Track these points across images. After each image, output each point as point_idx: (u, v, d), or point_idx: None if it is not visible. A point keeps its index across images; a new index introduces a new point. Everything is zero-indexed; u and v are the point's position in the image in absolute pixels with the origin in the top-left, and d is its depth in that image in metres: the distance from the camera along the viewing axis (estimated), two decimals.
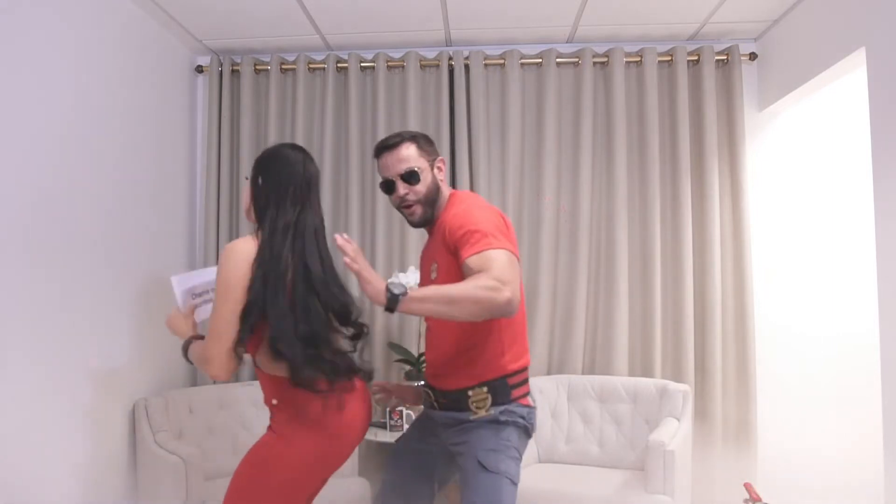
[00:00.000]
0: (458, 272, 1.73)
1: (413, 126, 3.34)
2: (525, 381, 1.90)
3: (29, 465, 2.18)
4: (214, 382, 3.20)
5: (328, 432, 1.73)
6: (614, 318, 3.26)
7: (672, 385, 2.98)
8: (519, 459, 1.85)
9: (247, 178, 1.83)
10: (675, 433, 2.69)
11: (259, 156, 1.81)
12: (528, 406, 1.89)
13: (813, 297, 3.36)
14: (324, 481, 1.83)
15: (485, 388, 1.83)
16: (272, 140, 3.39)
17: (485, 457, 1.78)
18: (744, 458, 3.23)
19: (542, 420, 3.10)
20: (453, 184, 3.35)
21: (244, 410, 3.05)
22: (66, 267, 2.38)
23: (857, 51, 2.54)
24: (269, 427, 1.78)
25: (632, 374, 3.27)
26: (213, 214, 3.38)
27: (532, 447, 3.05)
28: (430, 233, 1.99)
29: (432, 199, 1.93)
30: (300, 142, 3.37)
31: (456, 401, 1.86)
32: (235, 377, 3.35)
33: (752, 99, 3.41)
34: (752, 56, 3.39)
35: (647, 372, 3.26)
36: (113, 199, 2.69)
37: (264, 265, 1.66)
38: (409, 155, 1.91)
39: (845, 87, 3.19)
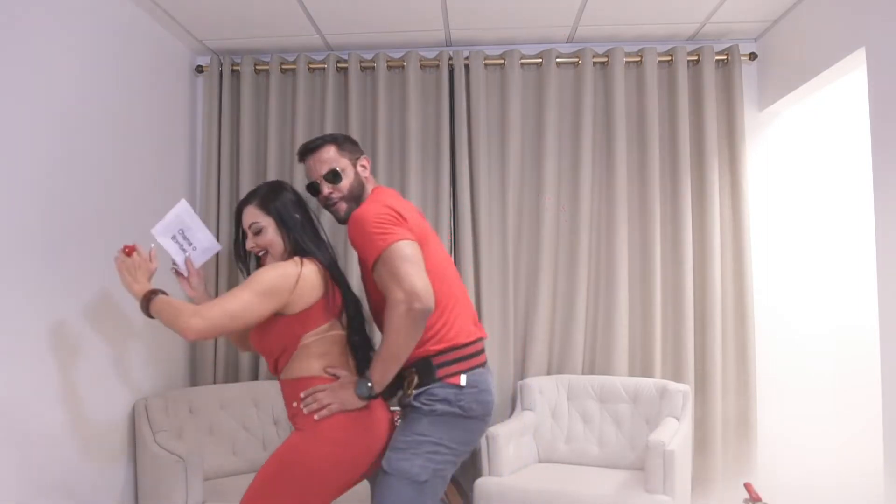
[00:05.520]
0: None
1: (413, 126, 3.35)
2: (456, 360, 1.91)
3: (29, 464, 2.18)
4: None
5: (352, 419, 1.85)
6: (614, 318, 3.26)
7: (672, 385, 2.98)
8: (444, 452, 1.86)
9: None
10: (675, 433, 2.69)
11: (278, 198, 1.99)
12: (455, 385, 1.88)
13: (813, 298, 3.36)
14: (348, 483, 1.88)
15: (413, 369, 1.90)
16: (272, 140, 3.39)
17: (388, 456, 1.86)
18: (744, 458, 3.23)
19: (542, 420, 3.10)
20: (453, 184, 3.36)
21: (244, 410, 3.05)
22: (65, 266, 2.38)
23: (857, 51, 2.54)
24: (295, 429, 1.89)
25: (632, 374, 3.27)
26: (214, 214, 3.38)
27: (532, 447, 3.06)
28: None
29: (356, 196, 2.04)
30: (300, 142, 3.35)
31: (399, 387, 1.95)
32: (235, 377, 3.35)
33: (752, 99, 3.41)
34: (752, 56, 3.39)
35: (647, 372, 3.26)
36: (112, 199, 2.69)
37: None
38: (330, 157, 2.03)
39: (845, 87, 3.19)
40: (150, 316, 1.86)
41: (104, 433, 2.60)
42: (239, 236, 2.05)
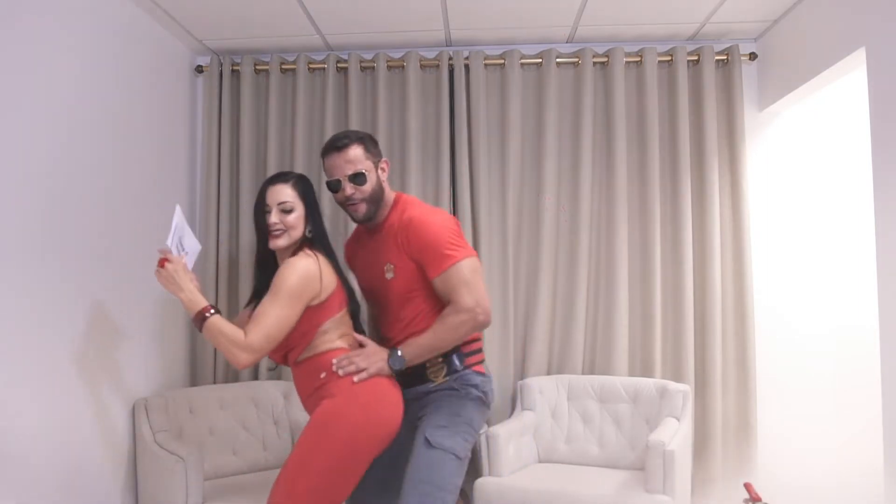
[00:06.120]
0: (416, 274, 2.02)
1: (413, 126, 3.35)
2: (478, 351, 2.13)
3: (29, 464, 2.18)
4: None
5: (388, 382, 1.98)
6: (614, 318, 3.26)
7: (672, 385, 2.98)
8: (473, 434, 2.03)
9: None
10: (675, 433, 2.69)
11: (309, 187, 2.08)
12: (481, 374, 2.08)
13: (813, 298, 3.36)
14: (379, 448, 1.95)
15: (440, 359, 2.03)
16: (272, 140, 3.39)
17: (432, 433, 1.94)
18: (744, 458, 3.23)
19: (542, 420, 3.11)
20: (453, 184, 3.36)
21: (244, 410, 3.05)
22: (65, 266, 2.38)
23: (857, 51, 2.54)
24: (325, 398, 1.93)
25: (632, 374, 3.27)
26: (214, 214, 3.38)
27: (532, 447, 3.06)
28: (376, 231, 2.15)
29: (377, 199, 2.09)
30: (300, 142, 3.38)
31: (417, 375, 2.05)
32: (235, 377, 3.35)
33: (752, 99, 3.41)
34: (752, 56, 3.38)
35: (647, 372, 3.26)
36: (112, 200, 2.69)
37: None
38: (357, 157, 2.05)
39: (845, 87, 3.19)
40: (199, 330, 1.92)
41: (104, 433, 2.60)
42: (260, 215, 2.04)
